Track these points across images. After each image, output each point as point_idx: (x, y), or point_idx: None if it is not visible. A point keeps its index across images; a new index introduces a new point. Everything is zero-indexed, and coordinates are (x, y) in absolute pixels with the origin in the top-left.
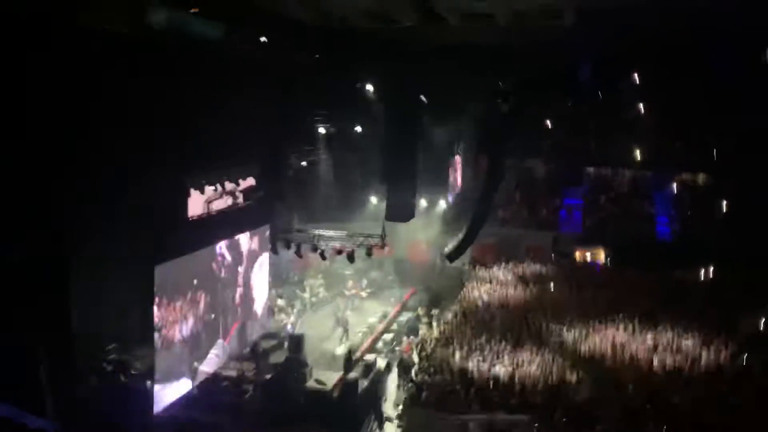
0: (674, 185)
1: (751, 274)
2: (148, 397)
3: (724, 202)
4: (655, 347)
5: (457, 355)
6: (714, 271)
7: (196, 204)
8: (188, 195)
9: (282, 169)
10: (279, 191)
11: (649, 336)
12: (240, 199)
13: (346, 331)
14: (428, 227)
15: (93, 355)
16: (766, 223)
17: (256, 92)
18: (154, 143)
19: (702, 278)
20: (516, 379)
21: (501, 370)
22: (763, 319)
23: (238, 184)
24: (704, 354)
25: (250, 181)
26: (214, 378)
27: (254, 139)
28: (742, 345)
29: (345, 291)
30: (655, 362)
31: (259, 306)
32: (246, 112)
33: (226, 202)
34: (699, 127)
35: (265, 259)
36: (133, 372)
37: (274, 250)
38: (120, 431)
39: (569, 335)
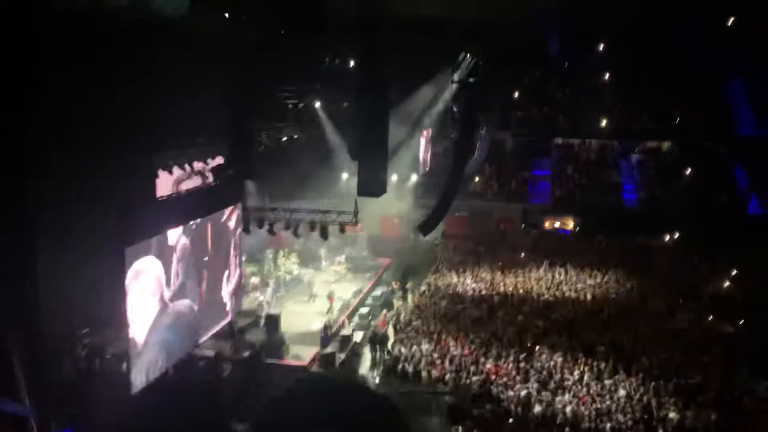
0: (640, 154)
1: (714, 238)
2: (124, 380)
3: (688, 170)
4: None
5: (433, 323)
6: (678, 236)
7: (165, 184)
8: (156, 175)
9: (252, 146)
10: (249, 169)
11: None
12: (210, 179)
13: (332, 305)
14: (400, 202)
15: (66, 339)
16: (727, 189)
17: (223, 69)
18: (120, 123)
19: (667, 243)
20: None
21: (477, 336)
22: (726, 282)
23: (207, 163)
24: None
25: (219, 160)
26: (191, 358)
27: (222, 118)
28: (707, 307)
29: (321, 266)
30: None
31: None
32: (213, 90)
33: (195, 181)
34: (663, 96)
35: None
36: (107, 356)
37: (246, 229)
38: (96, 414)
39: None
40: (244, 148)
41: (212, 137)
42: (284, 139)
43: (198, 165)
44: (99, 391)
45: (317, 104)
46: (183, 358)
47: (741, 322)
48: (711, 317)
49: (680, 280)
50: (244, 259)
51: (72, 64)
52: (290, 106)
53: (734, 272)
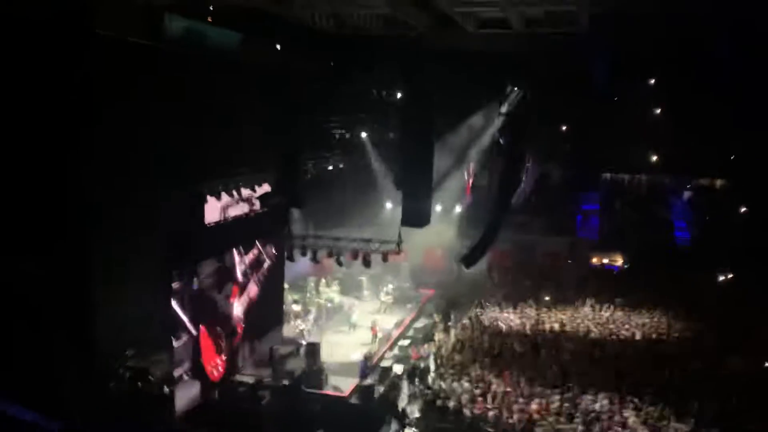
0: (691, 190)
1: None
2: (166, 403)
3: (743, 208)
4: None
5: (475, 359)
6: (733, 275)
7: (213, 210)
8: (205, 201)
9: (298, 175)
10: (295, 197)
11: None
12: (256, 206)
13: (375, 336)
14: (444, 233)
15: (113, 361)
16: None
17: (272, 99)
18: (171, 151)
19: (720, 282)
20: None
21: (518, 376)
22: None
23: (254, 191)
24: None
25: (266, 188)
26: (232, 384)
27: (270, 146)
28: (764, 350)
29: (363, 296)
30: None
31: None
32: (262, 118)
33: (242, 208)
34: (715, 131)
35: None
36: (151, 378)
37: (290, 257)
38: None
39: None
40: (290, 176)
41: (260, 165)
42: (330, 168)
43: (246, 192)
44: (141, 414)
45: (363, 134)
46: (224, 384)
47: None
48: None
49: (735, 321)
50: (286, 287)
51: (124, 94)
52: (337, 135)
53: None
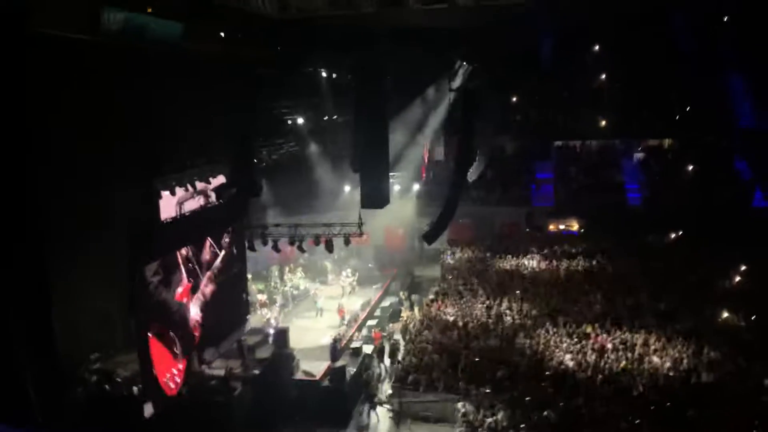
0: (642, 153)
1: (719, 234)
2: (134, 404)
3: (690, 167)
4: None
5: (442, 333)
6: (682, 233)
7: (168, 206)
8: (159, 197)
9: (252, 164)
10: (251, 187)
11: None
12: (212, 198)
13: (343, 318)
14: (404, 211)
15: (77, 364)
16: (730, 183)
17: (220, 88)
18: (119, 148)
19: (671, 240)
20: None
21: (487, 343)
22: (737, 278)
23: (209, 183)
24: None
25: (221, 179)
26: (202, 378)
27: (222, 136)
28: (718, 303)
29: (328, 280)
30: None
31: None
32: (212, 109)
33: (198, 201)
34: (662, 92)
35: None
36: (118, 379)
37: (251, 247)
38: None
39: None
40: (244, 165)
41: (213, 156)
42: (284, 154)
43: (200, 185)
44: (112, 416)
45: (316, 119)
46: (194, 379)
47: (753, 318)
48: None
49: (688, 279)
50: (249, 276)
51: (67, 91)
52: (289, 121)
53: (743, 267)
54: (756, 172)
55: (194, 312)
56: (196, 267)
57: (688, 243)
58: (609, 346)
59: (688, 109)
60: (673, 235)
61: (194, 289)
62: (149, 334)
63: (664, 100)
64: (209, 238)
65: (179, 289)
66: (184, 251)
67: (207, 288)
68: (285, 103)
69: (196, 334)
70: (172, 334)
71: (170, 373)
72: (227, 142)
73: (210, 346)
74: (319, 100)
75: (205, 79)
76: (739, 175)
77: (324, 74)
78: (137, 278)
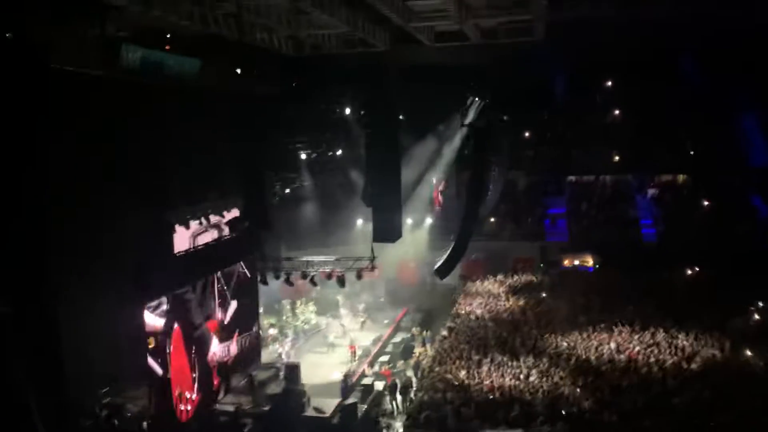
0: (654, 187)
1: (735, 269)
2: None
3: (705, 202)
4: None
5: (454, 372)
6: (699, 269)
7: (182, 239)
8: (173, 231)
9: (266, 197)
10: (264, 220)
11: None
12: (225, 231)
13: (354, 354)
14: (416, 245)
15: (85, 399)
16: (746, 220)
17: (234, 123)
18: (135, 181)
19: (688, 277)
20: (514, 392)
21: (499, 383)
22: (755, 315)
23: (222, 216)
24: (699, 353)
25: (235, 213)
26: (212, 413)
27: (236, 170)
28: (734, 341)
29: (341, 315)
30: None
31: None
32: (226, 143)
33: (212, 235)
34: (675, 129)
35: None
36: (127, 414)
37: (263, 281)
38: None
39: (564, 343)
40: (258, 199)
41: (227, 190)
42: (298, 188)
43: (214, 218)
44: None
45: (330, 153)
46: (204, 413)
47: None
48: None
49: (703, 315)
50: (261, 311)
51: (83, 125)
52: (303, 156)
53: (760, 304)
54: None
55: (217, 348)
56: (222, 295)
57: (705, 280)
58: (626, 385)
59: (699, 146)
60: (689, 272)
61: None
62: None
63: (676, 136)
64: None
65: (210, 319)
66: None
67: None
68: (298, 138)
69: (215, 373)
70: (194, 355)
71: (187, 395)
72: (241, 176)
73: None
74: (332, 135)
75: (220, 113)
76: (755, 212)
77: (337, 109)
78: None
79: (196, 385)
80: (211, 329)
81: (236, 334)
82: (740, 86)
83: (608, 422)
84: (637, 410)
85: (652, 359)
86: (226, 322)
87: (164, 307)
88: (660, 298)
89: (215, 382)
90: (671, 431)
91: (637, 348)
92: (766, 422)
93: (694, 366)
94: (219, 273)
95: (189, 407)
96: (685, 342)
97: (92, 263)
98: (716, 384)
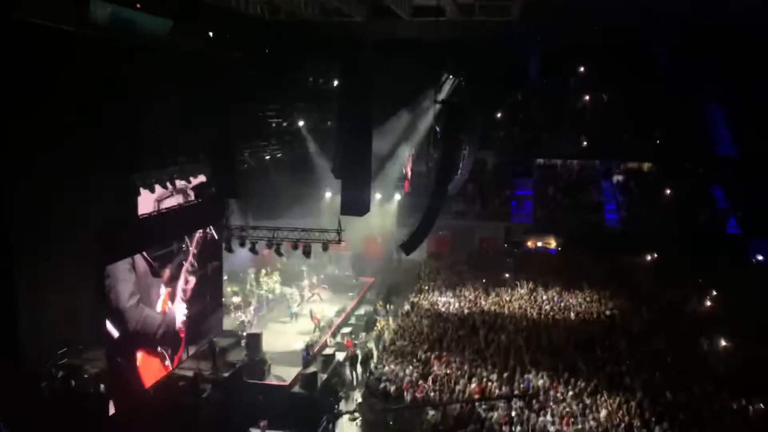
0: (621, 174)
1: (693, 258)
2: (102, 401)
3: (668, 191)
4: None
5: (414, 345)
6: (659, 255)
7: (147, 203)
8: (138, 194)
9: (234, 165)
10: (232, 188)
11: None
12: (192, 197)
13: (317, 325)
14: (384, 220)
15: (43, 360)
16: (706, 209)
17: (205, 87)
18: (101, 142)
19: (647, 263)
20: (472, 367)
21: (458, 357)
22: (708, 302)
23: (189, 182)
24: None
25: (202, 178)
26: (170, 378)
27: (205, 136)
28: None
29: (302, 286)
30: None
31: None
32: (195, 108)
33: (177, 200)
34: (643, 116)
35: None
36: (85, 376)
37: (228, 248)
38: None
39: (523, 321)
40: (226, 166)
41: (195, 155)
42: (268, 157)
43: (180, 183)
44: (76, 412)
45: (301, 123)
46: (163, 378)
47: (722, 342)
48: (692, 337)
49: (660, 300)
50: (225, 278)
51: (47, 83)
52: (273, 124)
53: (714, 292)
54: (730, 200)
55: (180, 313)
56: (173, 269)
57: (663, 265)
58: (581, 367)
59: (667, 134)
60: (648, 257)
61: (173, 295)
62: (137, 356)
63: (644, 124)
64: (186, 237)
65: (159, 301)
66: (157, 256)
67: (187, 284)
68: (270, 106)
69: (182, 335)
70: (160, 349)
71: (147, 359)
72: (209, 142)
73: (191, 345)
74: (304, 105)
75: (191, 77)
76: (715, 201)
77: (310, 79)
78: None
79: (157, 349)
80: (173, 294)
81: (198, 300)
82: (710, 77)
83: (563, 399)
84: (592, 390)
85: (607, 342)
86: (188, 288)
87: (126, 269)
88: (619, 281)
89: (180, 349)
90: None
91: (595, 329)
92: (714, 400)
93: (646, 347)
94: (182, 238)
95: (148, 371)
96: (639, 326)
97: (52, 225)
98: (667, 367)
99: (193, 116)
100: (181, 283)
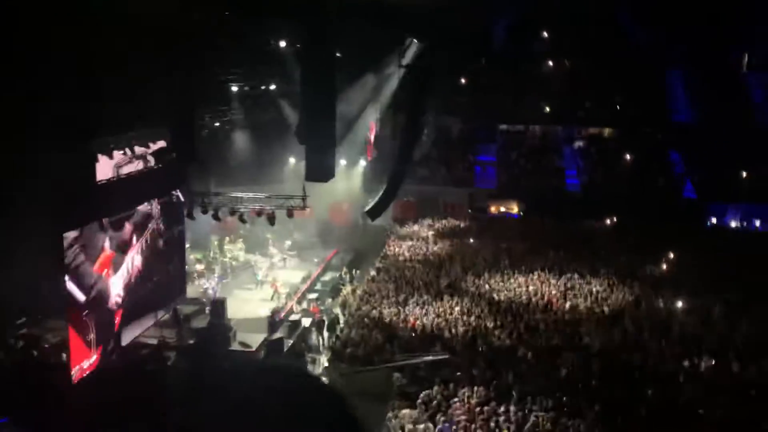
0: (582, 140)
1: (652, 220)
2: (64, 369)
3: (628, 156)
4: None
5: (380, 310)
6: (618, 220)
7: (105, 169)
8: (95, 160)
9: (195, 130)
10: (192, 153)
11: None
12: (152, 163)
13: (276, 291)
14: (349, 187)
15: (1, 331)
16: (664, 174)
17: (164, 50)
18: (56, 105)
19: (607, 227)
20: (436, 329)
21: (423, 321)
22: (663, 265)
23: (148, 147)
24: (612, 297)
25: (162, 144)
26: (134, 345)
27: (164, 100)
28: (646, 287)
29: (268, 253)
30: (567, 306)
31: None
32: (154, 71)
33: (136, 166)
34: (605, 84)
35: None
36: (45, 345)
37: (190, 215)
38: (36, 405)
39: (486, 285)
40: (186, 131)
41: (153, 120)
42: (229, 123)
43: (139, 149)
44: (38, 382)
45: (263, 87)
46: (126, 347)
47: (678, 303)
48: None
49: (618, 263)
50: (188, 245)
51: (5, 45)
52: (235, 89)
53: (671, 255)
54: (688, 165)
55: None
56: (134, 236)
57: (622, 229)
58: (542, 326)
59: (627, 101)
60: (608, 221)
61: (117, 264)
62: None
63: (606, 90)
64: (145, 204)
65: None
66: (116, 222)
67: (149, 251)
68: (231, 70)
69: (117, 318)
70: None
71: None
72: (169, 107)
73: (134, 322)
74: (266, 68)
75: (149, 39)
76: (672, 167)
77: (272, 41)
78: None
79: (117, 319)
80: (133, 261)
81: (160, 267)
82: (670, 43)
83: (523, 357)
84: (551, 348)
85: (568, 303)
86: (150, 255)
87: (86, 236)
88: (580, 245)
89: (139, 316)
90: (583, 368)
91: (554, 291)
92: (669, 359)
93: (606, 309)
94: (143, 204)
95: (111, 339)
96: (599, 287)
97: (7, 193)
98: (626, 327)
99: (152, 79)
100: (141, 250)
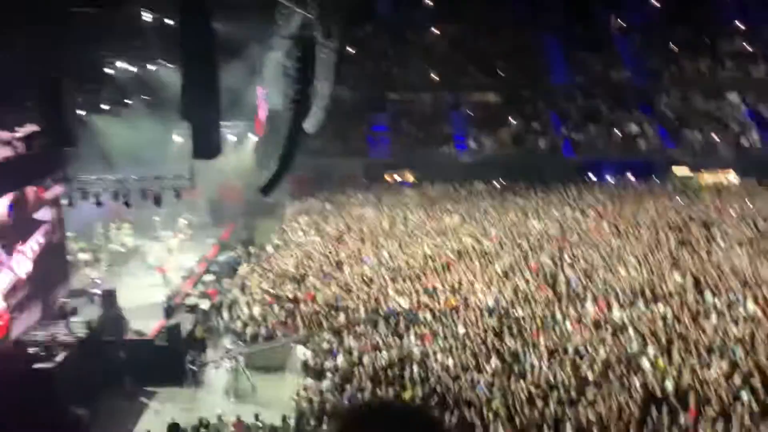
0: (469, 106)
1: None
2: None
3: (512, 120)
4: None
5: (280, 286)
6: (504, 180)
7: None
8: None
9: (68, 112)
10: (66, 137)
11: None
12: (21, 149)
13: (165, 275)
14: (240, 163)
15: None
16: (546, 135)
17: (27, 26)
18: None
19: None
20: (340, 301)
21: (325, 293)
22: (546, 220)
23: (14, 131)
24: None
25: (32, 128)
26: (19, 345)
27: (32, 80)
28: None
29: (167, 236)
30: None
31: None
32: (17, 48)
33: (3, 152)
34: (487, 49)
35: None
36: None
37: (69, 202)
38: None
39: (385, 252)
40: (57, 113)
41: (19, 103)
42: (105, 102)
43: (5, 134)
44: None
45: (142, 64)
46: (9, 347)
47: (565, 258)
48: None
49: (504, 221)
50: (69, 234)
51: None
52: (109, 66)
53: (553, 210)
54: (566, 126)
55: (18, 273)
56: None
57: (508, 189)
58: (439, 286)
59: (509, 66)
60: (496, 183)
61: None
62: None
63: (488, 56)
64: (14, 195)
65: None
66: None
67: (23, 244)
68: (104, 45)
69: (19, 300)
70: None
71: None
72: (36, 88)
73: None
74: (143, 43)
75: (10, 14)
76: (552, 127)
77: (148, 14)
78: None
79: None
80: (5, 256)
81: (38, 261)
82: (546, 7)
83: (423, 320)
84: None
85: (462, 266)
86: (24, 249)
87: None
88: (468, 209)
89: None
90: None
91: (450, 255)
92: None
93: (498, 268)
94: (14, 194)
95: None
96: (487, 243)
97: None
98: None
99: (18, 59)
100: (13, 244)
